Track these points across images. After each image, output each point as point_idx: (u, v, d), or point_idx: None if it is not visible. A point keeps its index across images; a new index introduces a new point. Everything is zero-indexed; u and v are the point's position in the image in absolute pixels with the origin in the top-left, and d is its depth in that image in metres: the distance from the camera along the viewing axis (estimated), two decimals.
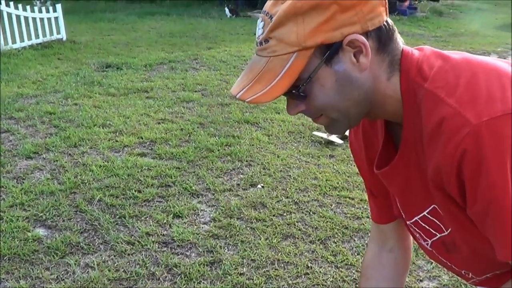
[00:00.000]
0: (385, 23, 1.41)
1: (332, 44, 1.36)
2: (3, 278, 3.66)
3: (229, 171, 5.37)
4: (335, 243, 4.15)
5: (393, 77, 1.44)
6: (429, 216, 1.61)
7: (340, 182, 5.16)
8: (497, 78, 1.34)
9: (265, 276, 3.71)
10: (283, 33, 1.36)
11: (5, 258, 3.87)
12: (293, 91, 1.39)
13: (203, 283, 3.62)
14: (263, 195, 4.84)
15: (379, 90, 1.43)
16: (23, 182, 5.00)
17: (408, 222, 1.72)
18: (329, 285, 3.67)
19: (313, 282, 3.69)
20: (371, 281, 2.03)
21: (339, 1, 1.33)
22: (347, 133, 1.79)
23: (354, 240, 4.19)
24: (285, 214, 4.54)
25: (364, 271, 2.07)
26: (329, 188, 5.05)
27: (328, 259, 3.94)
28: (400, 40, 1.47)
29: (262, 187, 5.04)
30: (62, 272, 3.73)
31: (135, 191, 4.84)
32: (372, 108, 1.46)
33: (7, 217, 4.38)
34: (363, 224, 4.40)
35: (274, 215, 4.50)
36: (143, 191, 4.85)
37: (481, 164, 1.28)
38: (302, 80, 1.38)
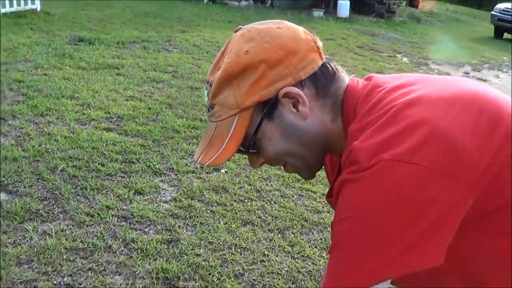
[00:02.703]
0: (321, 67, 1.47)
1: (268, 100, 1.44)
2: None
3: (194, 153, 5.35)
4: (294, 234, 4.19)
5: (338, 119, 1.49)
6: None
7: None
8: (418, 127, 1.29)
9: (221, 259, 3.73)
10: (222, 98, 1.47)
11: None
12: (244, 149, 1.50)
13: (159, 260, 3.63)
14: (225, 180, 4.86)
15: (328, 132, 1.48)
16: None
17: None
18: (284, 274, 3.71)
19: (268, 269, 3.72)
20: None
21: (267, 59, 1.42)
22: None
23: (313, 233, 4.23)
24: (246, 200, 4.57)
25: None
26: (292, 179, 5.08)
27: (285, 249, 3.98)
28: (345, 77, 1.52)
29: (226, 172, 5.06)
30: (20, 237, 3.71)
31: (98, 164, 4.83)
32: (328, 148, 1.52)
33: None
34: (323, 219, 4.44)
35: (235, 201, 4.53)
36: (106, 165, 4.84)
37: (347, 199, 1.32)
38: (249, 138, 1.47)
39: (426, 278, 1.48)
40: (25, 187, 4.32)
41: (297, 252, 3.96)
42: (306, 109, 1.44)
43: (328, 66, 1.49)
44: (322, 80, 1.46)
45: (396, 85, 1.45)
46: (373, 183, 1.26)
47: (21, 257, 3.52)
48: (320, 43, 1.51)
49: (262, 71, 1.42)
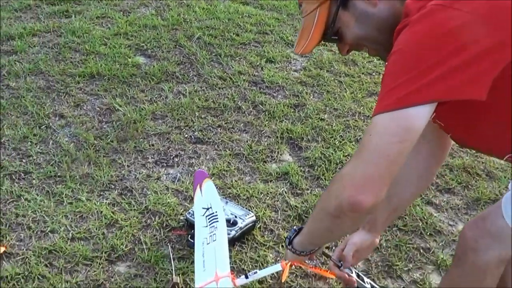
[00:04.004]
0: None
1: None
2: (101, 95, 3.94)
3: None
4: None
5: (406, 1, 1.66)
6: None
7: None
8: None
9: (344, 125, 3.86)
10: None
11: (104, 78, 4.14)
12: (327, 37, 1.79)
13: (285, 122, 3.80)
14: (355, 53, 4.91)
15: (399, 14, 1.66)
16: (129, 15, 5.22)
17: None
18: None
19: None
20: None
21: None
22: None
23: None
24: (374, 74, 4.62)
25: None
26: None
27: None
28: None
29: None
30: (156, 96, 3.98)
31: (233, 34, 5.01)
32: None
33: (110, 44, 4.63)
34: None
35: (363, 73, 4.60)
36: (241, 35, 5.01)
37: (398, 38, 1.54)
38: (329, 27, 1.76)
39: (486, 135, 1.69)
40: (163, 52, 4.57)
41: None
42: None
43: None
44: None
45: None
46: (419, 23, 1.48)
47: (156, 112, 3.79)
48: None
49: None
